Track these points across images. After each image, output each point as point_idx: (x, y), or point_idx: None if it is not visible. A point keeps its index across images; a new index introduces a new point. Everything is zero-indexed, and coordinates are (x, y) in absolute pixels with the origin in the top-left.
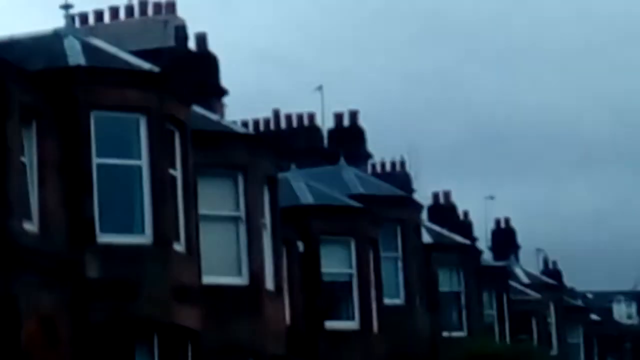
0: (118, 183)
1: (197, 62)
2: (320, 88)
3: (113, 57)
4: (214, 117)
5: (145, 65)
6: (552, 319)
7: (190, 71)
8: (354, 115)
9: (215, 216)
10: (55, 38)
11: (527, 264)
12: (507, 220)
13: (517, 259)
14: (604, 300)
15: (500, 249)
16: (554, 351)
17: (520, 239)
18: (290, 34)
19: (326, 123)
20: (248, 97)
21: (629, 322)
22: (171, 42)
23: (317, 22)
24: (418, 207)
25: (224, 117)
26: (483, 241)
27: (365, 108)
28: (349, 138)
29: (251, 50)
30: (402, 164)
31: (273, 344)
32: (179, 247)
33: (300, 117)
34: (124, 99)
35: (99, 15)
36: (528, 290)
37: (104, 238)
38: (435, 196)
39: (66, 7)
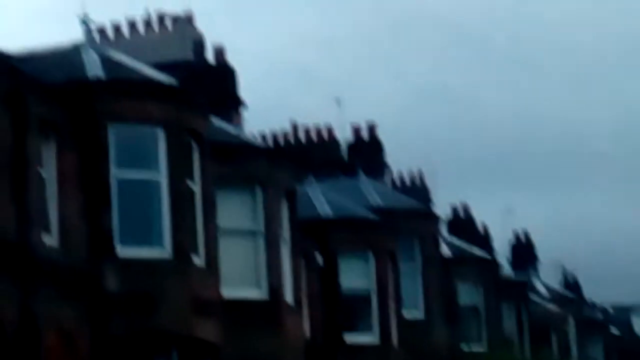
0: (137, 196)
1: (215, 75)
2: (338, 101)
3: (132, 70)
4: (233, 130)
5: (164, 78)
6: (572, 333)
7: (209, 84)
8: (372, 128)
9: (234, 229)
10: (74, 51)
11: (546, 277)
12: (526, 234)
13: (536, 272)
14: (624, 314)
15: (520, 262)
16: None
17: (538, 251)
18: (308, 47)
19: (344, 135)
20: (266, 109)
21: None
22: (189, 55)
23: (335, 35)
24: (436, 219)
25: (243, 130)
26: (501, 254)
27: (383, 121)
28: (367, 150)
29: (269, 63)
30: (421, 177)
31: (292, 358)
32: (198, 260)
33: (318, 130)
34: (143, 112)
35: (116, 27)
36: (548, 304)
37: (123, 251)
38: (454, 209)
39: (85, 21)
